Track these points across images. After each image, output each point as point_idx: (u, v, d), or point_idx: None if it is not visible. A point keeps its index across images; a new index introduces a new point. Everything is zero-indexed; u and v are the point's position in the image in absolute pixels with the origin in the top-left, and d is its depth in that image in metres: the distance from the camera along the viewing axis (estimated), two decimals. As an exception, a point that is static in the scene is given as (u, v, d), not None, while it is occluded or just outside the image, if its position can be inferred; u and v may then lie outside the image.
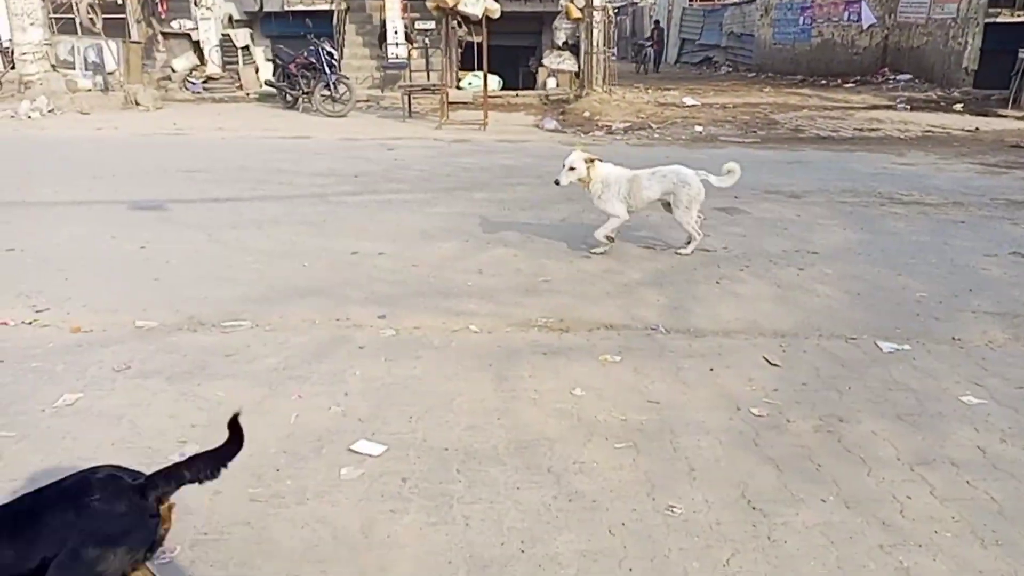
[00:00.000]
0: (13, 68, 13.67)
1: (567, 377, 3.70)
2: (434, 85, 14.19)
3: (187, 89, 15.52)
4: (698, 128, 12.64)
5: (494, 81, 15.33)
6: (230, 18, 16.38)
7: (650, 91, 16.23)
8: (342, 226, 6.39)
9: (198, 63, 16.08)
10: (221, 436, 3.12)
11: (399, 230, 6.27)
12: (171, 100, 14.77)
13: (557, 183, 5.55)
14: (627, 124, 12.85)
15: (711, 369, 3.78)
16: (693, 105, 15.13)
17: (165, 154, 9.47)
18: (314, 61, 13.64)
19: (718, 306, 4.67)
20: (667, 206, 5.69)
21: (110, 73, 13.99)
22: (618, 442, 3.11)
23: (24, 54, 13.64)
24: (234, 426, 2.10)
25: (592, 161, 5.51)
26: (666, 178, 5.57)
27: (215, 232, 6.12)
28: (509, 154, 10.29)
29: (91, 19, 14.52)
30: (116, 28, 14.81)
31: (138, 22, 15.32)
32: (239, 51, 16.08)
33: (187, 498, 2.72)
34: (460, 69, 16.08)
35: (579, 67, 15.67)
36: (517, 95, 16.29)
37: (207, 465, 2.09)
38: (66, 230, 6.11)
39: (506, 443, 3.12)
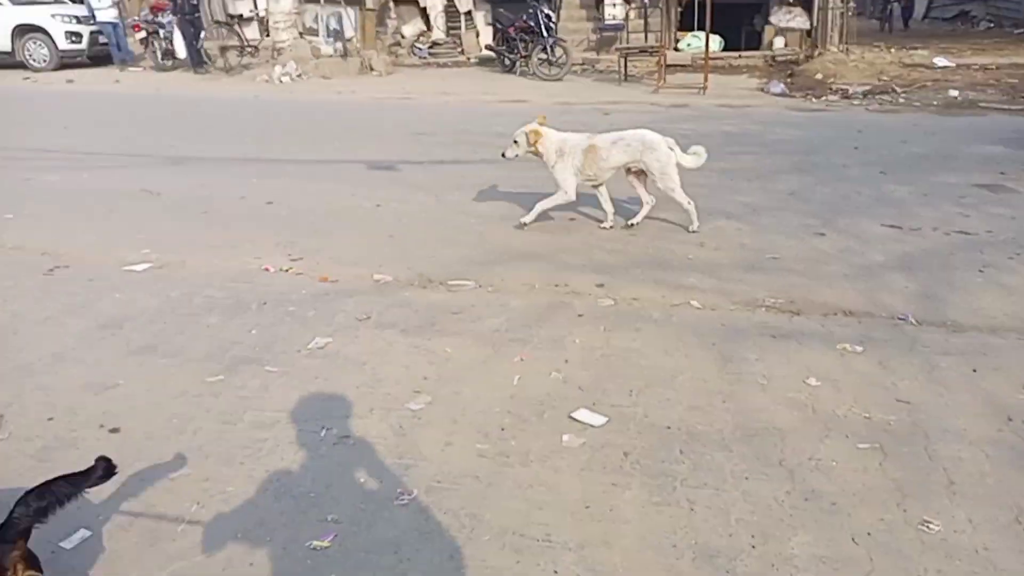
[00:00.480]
0: (268, 36, 15.17)
1: (799, 364, 3.45)
2: (651, 47, 13.79)
3: (415, 55, 16.37)
4: (953, 92, 11.19)
5: (715, 41, 14.59)
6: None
7: (893, 50, 14.61)
8: (560, 191, 6.43)
9: (424, 29, 16.89)
10: (450, 390, 3.31)
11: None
12: (400, 65, 15.66)
13: (504, 156, 5.45)
14: (866, 88, 11.68)
15: (974, 370, 3.34)
16: (946, 66, 13.41)
17: (396, 117, 10.08)
18: (532, 25, 13.77)
19: (981, 297, 4.12)
20: (640, 175, 5.30)
21: (348, 40, 15.11)
22: (861, 442, 2.84)
23: (277, 22, 15.14)
24: (106, 462, 2.12)
25: (538, 132, 5.22)
26: (630, 146, 5.11)
27: (441, 194, 6.42)
28: (731, 120, 9.78)
29: (334, -12, 15.78)
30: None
31: (373, -10, 16.34)
32: (462, 16, 16.65)
33: (421, 446, 2.90)
34: (679, 29, 15.49)
35: (811, 24, 14.46)
36: (740, 56, 15.40)
37: (66, 493, 2.00)
38: (313, 186, 6.71)
39: (732, 428, 2.98)
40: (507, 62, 14.75)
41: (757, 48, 16.11)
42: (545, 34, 13.62)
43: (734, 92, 12.19)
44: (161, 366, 3.58)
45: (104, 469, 2.12)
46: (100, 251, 5.11)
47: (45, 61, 14.82)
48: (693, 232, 5.28)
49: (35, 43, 14.82)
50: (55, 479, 2.01)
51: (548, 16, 13.79)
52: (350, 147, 8.26)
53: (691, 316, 4.02)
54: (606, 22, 15.61)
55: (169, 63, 14.70)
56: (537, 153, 5.35)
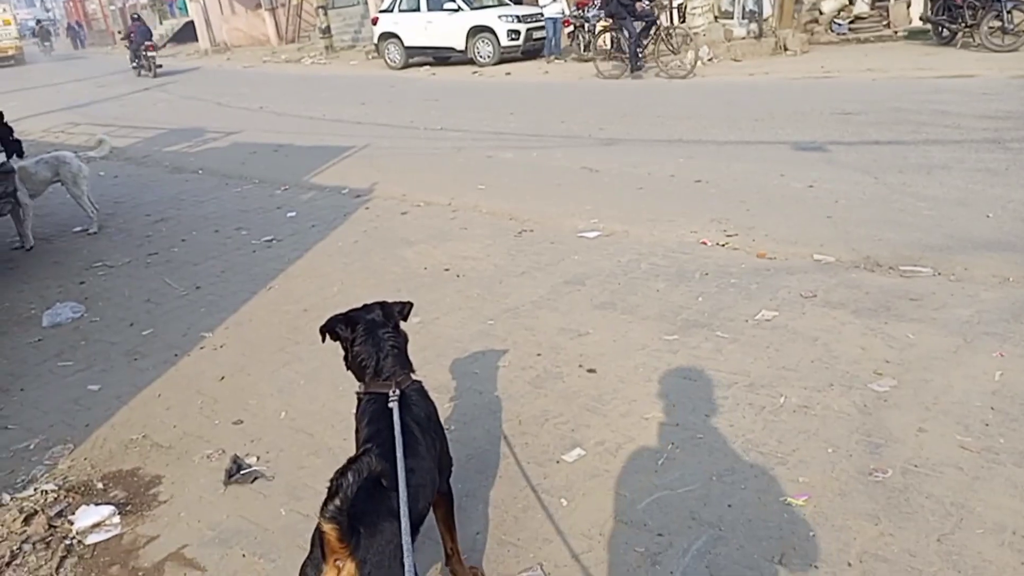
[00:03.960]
0: (683, 22, 15.53)
1: None
2: None
3: (832, 31, 15.37)
4: None
5: None
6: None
7: None
8: (1030, 175, 5.58)
9: (846, 3, 15.72)
10: (917, 376, 3.15)
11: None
12: (816, 43, 14.84)
13: None
14: None
15: None
16: None
17: (817, 96, 9.63)
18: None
19: None
20: None
21: (764, 20, 14.77)
22: None
23: (695, 8, 15.44)
24: None
25: None
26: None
27: (880, 175, 6.01)
28: None
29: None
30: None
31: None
32: (895, -14, 15.09)
33: (891, 427, 2.82)
34: None
35: None
36: None
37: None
38: (738, 166, 6.79)
39: None
40: (945, 33, 13.05)
41: None
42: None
43: None
44: (622, 320, 4.02)
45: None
46: (555, 218, 5.85)
47: (489, 57, 17.20)
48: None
49: (483, 41, 17.28)
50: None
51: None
52: (770, 128, 8.15)
53: None
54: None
55: (589, 54, 15.98)
56: None
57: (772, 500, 2.54)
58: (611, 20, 13.85)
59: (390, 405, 2.01)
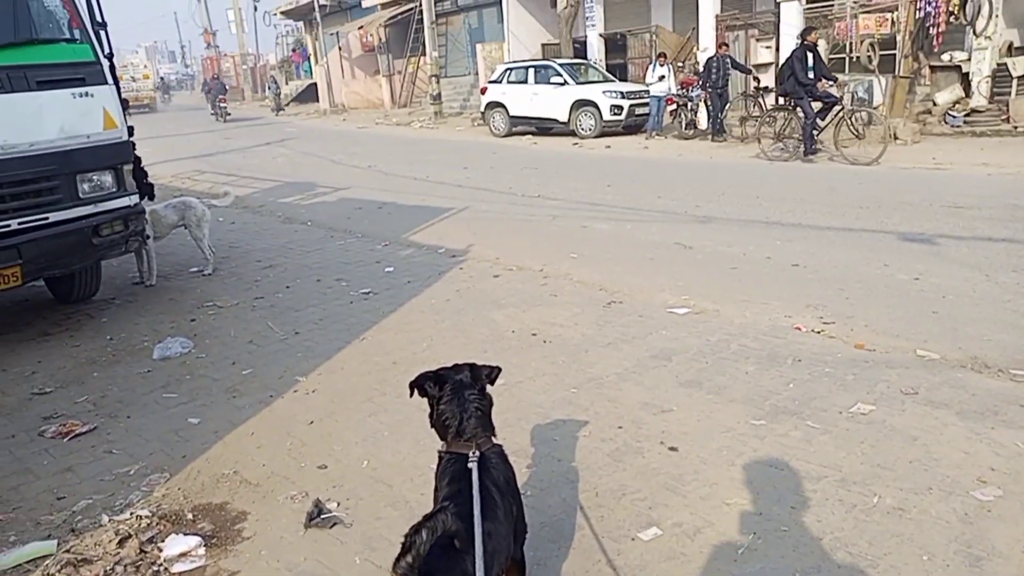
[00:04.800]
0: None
1: None
2: None
3: (946, 123, 14.93)
4: None
5: None
6: (1010, 46, 15.03)
7: None
8: None
9: (962, 95, 15.29)
10: (1023, 487, 2.94)
11: None
12: (928, 134, 14.44)
13: None
14: None
15: None
16: None
17: (927, 187, 9.33)
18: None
19: None
20: None
21: (875, 108, 14.52)
22: None
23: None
24: None
25: None
26: None
27: (992, 273, 5.73)
28: None
29: (869, 56, 15.36)
30: (885, 63, 15.32)
31: (905, 57, 15.46)
32: (1014, 81, 14.61)
33: (994, 540, 2.64)
34: None
35: None
36: None
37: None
38: (839, 253, 6.62)
39: None
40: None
41: None
42: None
43: None
44: (707, 400, 3.95)
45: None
46: (646, 292, 5.85)
47: (591, 130, 17.56)
48: None
49: (585, 115, 17.69)
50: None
51: None
52: (875, 216, 7.93)
53: None
54: None
55: (691, 132, 16.09)
56: None
57: (857, 606, 2.41)
58: (785, 98, 12.93)
59: (469, 465, 2.05)
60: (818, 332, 4.81)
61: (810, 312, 5.16)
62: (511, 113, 19.04)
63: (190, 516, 3.15)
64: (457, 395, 2.28)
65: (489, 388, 2.41)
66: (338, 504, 3.15)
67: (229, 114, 29.13)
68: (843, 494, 3.02)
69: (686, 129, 16.23)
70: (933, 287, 5.51)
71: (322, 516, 3.01)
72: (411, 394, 2.38)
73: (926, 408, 3.68)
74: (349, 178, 13.01)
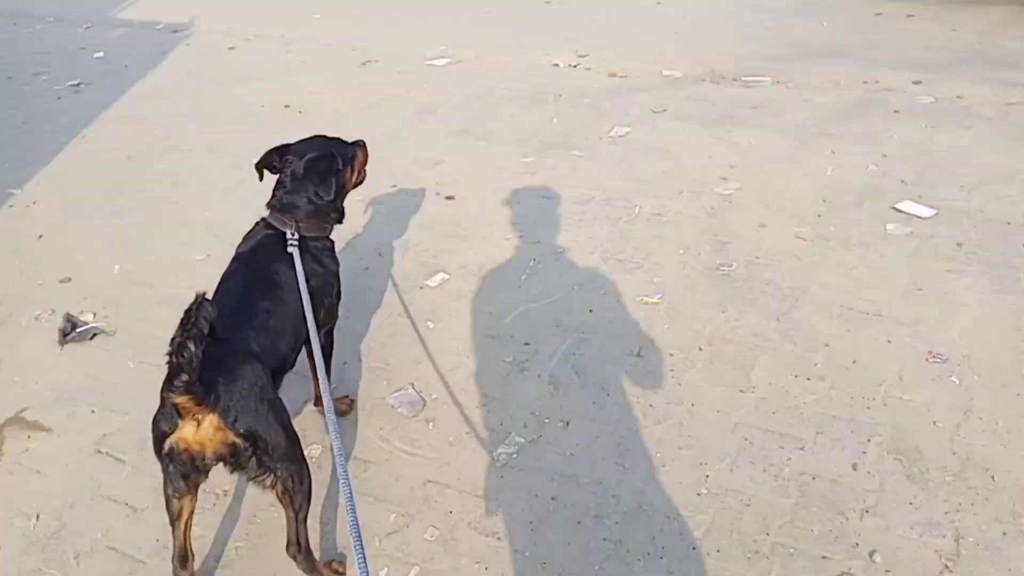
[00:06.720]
0: None
1: None
2: None
3: None
4: None
5: None
6: None
7: None
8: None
9: None
10: (757, 178, 3.30)
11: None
12: None
13: None
14: None
15: None
16: None
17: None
18: None
19: None
20: None
21: None
22: None
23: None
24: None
25: None
26: None
27: (726, -10, 6.03)
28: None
29: None
30: None
31: None
32: None
33: (735, 226, 2.97)
34: None
35: None
36: None
37: None
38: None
39: (1089, 230, 2.71)
40: None
41: None
42: None
43: None
44: (478, 146, 3.91)
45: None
46: (401, 47, 5.49)
47: None
48: None
49: None
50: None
51: None
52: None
53: (1032, 117, 3.58)
54: None
55: None
56: None
57: (630, 302, 2.64)
58: None
59: (289, 249, 1.93)
60: (574, 66, 4.86)
61: (566, 47, 5.16)
62: None
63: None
64: (299, 171, 2.07)
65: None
66: (95, 315, 2.82)
67: None
68: (609, 210, 3.20)
69: None
70: (674, 9, 5.71)
71: (77, 330, 2.68)
72: (260, 178, 2.14)
73: (674, 123, 3.92)
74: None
